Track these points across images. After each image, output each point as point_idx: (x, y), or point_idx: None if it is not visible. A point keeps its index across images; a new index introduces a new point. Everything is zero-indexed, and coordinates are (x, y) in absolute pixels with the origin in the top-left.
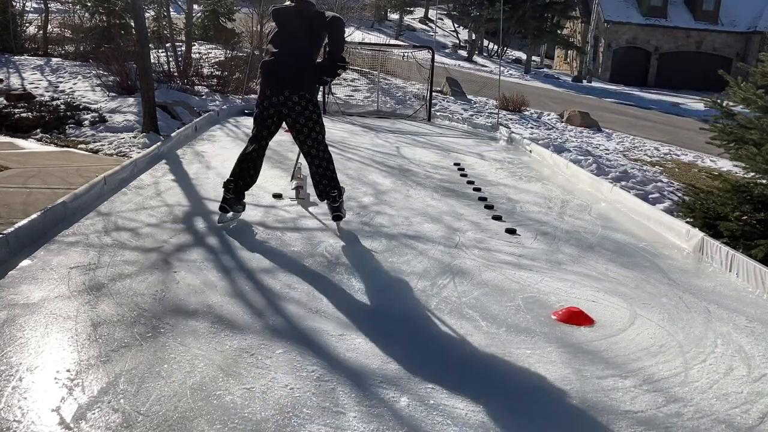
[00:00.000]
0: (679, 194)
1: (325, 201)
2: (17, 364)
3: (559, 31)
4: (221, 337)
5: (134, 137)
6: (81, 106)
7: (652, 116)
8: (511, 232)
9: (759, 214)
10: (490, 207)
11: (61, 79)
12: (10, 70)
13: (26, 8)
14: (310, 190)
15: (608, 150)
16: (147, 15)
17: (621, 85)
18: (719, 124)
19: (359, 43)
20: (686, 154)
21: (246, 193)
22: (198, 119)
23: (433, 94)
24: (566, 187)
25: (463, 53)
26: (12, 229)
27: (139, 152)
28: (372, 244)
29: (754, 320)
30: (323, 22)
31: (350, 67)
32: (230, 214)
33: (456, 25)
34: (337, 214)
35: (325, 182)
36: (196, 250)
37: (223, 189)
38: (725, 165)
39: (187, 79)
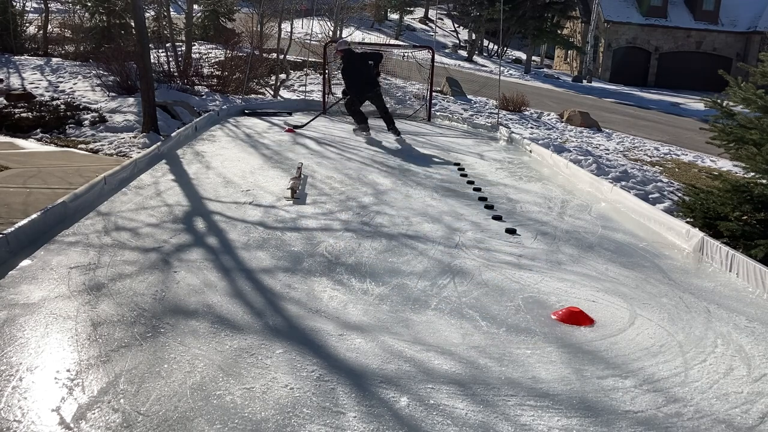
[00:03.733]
0: (679, 194)
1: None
2: (17, 364)
3: (559, 31)
4: (221, 337)
5: (134, 137)
6: (81, 106)
7: (652, 116)
8: (511, 232)
9: (759, 214)
10: (490, 207)
11: (61, 79)
12: (10, 70)
13: (26, 8)
14: (308, 191)
15: (608, 150)
16: (147, 15)
17: (621, 85)
18: (719, 124)
19: (359, 43)
20: (686, 154)
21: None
22: (198, 119)
23: (433, 94)
24: (566, 187)
25: (463, 53)
26: (12, 229)
27: (139, 152)
28: (372, 244)
29: (754, 320)
30: (368, 57)
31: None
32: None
33: (456, 25)
34: (394, 129)
35: (387, 117)
36: (196, 250)
37: (359, 124)
38: (725, 165)
39: (187, 79)
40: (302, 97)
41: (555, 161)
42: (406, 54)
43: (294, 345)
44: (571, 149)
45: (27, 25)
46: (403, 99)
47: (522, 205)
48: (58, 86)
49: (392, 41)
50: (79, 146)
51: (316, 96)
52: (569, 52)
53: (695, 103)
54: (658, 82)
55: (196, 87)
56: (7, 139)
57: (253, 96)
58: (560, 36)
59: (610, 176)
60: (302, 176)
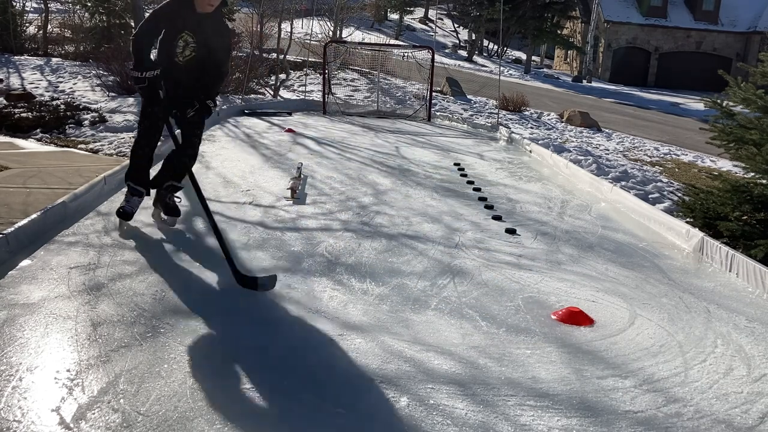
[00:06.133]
0: (679, 194)
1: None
2: (17, 364)
3: (559, 31)
4: (221, 337)
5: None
6: (81, 106)
7: (652, 116)
8: (511, 232)
9: (759, 214)
10: (490, 207)
11: (61, 79)
12: (10, 70)
13: (26, 8)
14: (308, 191)
15: (608, 150)
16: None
17: (621, 85)
18: (719, 124)
19: (359, 43)
20: (686, 154)
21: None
22: None
23: (433, 94)
24: (566, 187)
25: (463, 53)
26: (12, 229)
27: None
28: (372, 244)
29: (754, 320)
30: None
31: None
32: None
33: (456, 25)
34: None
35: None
36: (196, 250)
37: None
38: (725, 165)
39: None
40: (302, 97)
41: (555, 161)
42: (406, 54)
43: (294, 345)
44: (571, 149)
45: (27, 25)
46: (403, 99)
47: (522, 205)
48: (58, 86)
49: (392, 41)
50: (79, 146)
51: (316, 96)
52: (569, 52)
53: (695, 103)
54: (658, 82)
55: None
56: (7, 139)
57: (252, 96)
58: (560, 36)
59: (610, 176)
60: (302, 176)
